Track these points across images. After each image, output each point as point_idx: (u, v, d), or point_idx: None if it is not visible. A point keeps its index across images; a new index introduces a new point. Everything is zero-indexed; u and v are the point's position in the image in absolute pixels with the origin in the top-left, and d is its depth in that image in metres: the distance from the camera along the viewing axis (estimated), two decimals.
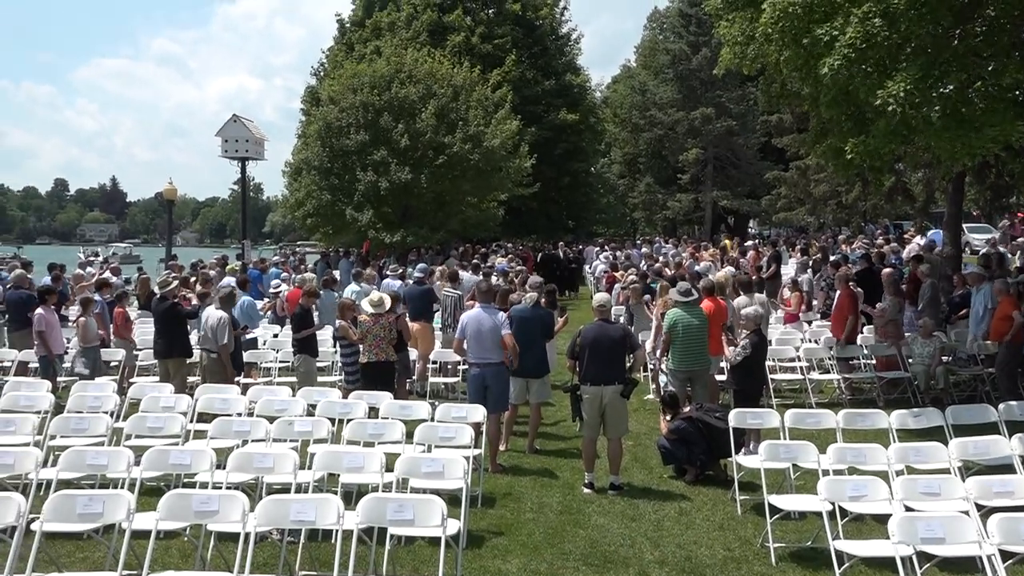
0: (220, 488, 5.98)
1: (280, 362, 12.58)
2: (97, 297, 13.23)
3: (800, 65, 9.91)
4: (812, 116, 12.57)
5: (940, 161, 10.23)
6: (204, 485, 6.26)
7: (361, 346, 9.80)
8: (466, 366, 9.83)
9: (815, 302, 16.21)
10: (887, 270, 13.85)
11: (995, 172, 18.90)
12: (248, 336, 11.98)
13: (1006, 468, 6.88)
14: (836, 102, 9.94)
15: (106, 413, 8.27)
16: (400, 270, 16.27)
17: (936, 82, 8.53)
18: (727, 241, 29.21)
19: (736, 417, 7.89)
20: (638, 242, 36.64)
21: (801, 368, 12.09)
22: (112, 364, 12.06)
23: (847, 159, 10.09)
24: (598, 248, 29.95)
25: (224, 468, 6.27)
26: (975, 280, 12.27)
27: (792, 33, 9.58)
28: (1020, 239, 24.07)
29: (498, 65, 32.66)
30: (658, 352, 10.64)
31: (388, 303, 9.97)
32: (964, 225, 30.53)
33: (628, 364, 8.27)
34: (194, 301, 13.12)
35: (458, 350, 9.36)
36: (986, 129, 8.54)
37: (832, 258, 18.52)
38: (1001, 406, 8.15)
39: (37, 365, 11.40)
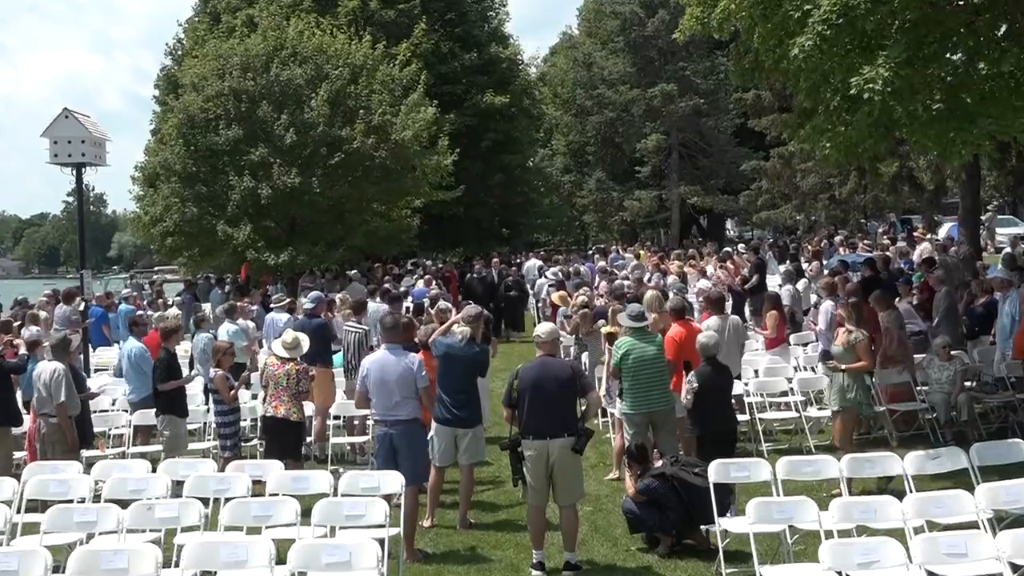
0: None
1: (134, 425, 12.24)
2: None
3: (773, 45, 10.22)
4: (794, 94, 12.95)
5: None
6: None
7: (260, 395, 9.70)
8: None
9: (807, 319, 16.45)
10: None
11: (1017, 154, 19.72)
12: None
13: None
14: (816, 89, 10.27)
15: None
16: (287, 300, 16.09)
17: (924, 66, 8.88)
18: (642, 251, 29.66)
19: (717, 470, 7.97)
20: (589, 252, 36.95)
21: (795, 404, 12.30)
22: None
23: (826, 152, 10.44)
24: (540, 263, 30.07)
25: (63, 572, 6.08)
26: (1001, 286, 12.63)
27: (761, 8, 9.91)
28: None
29: (405, 37, 32.74)
30: (614, 393, 10.62)
31: (305, 346, 9.89)
32: (998, 217, 31.77)
33: (581, 411, 8.28)
34: (21, 350, 12.77)
35: (360, 403, 9.20)
36: (980, 120, 8.91)
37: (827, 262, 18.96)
38: None
39: None
